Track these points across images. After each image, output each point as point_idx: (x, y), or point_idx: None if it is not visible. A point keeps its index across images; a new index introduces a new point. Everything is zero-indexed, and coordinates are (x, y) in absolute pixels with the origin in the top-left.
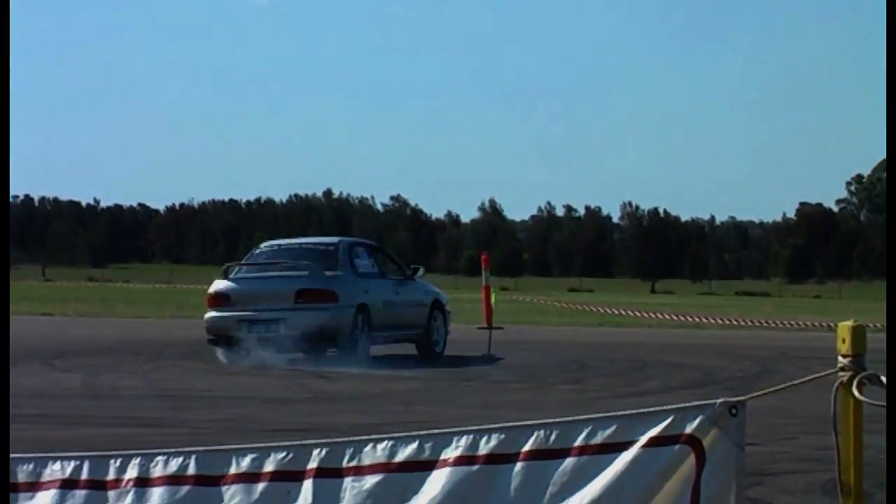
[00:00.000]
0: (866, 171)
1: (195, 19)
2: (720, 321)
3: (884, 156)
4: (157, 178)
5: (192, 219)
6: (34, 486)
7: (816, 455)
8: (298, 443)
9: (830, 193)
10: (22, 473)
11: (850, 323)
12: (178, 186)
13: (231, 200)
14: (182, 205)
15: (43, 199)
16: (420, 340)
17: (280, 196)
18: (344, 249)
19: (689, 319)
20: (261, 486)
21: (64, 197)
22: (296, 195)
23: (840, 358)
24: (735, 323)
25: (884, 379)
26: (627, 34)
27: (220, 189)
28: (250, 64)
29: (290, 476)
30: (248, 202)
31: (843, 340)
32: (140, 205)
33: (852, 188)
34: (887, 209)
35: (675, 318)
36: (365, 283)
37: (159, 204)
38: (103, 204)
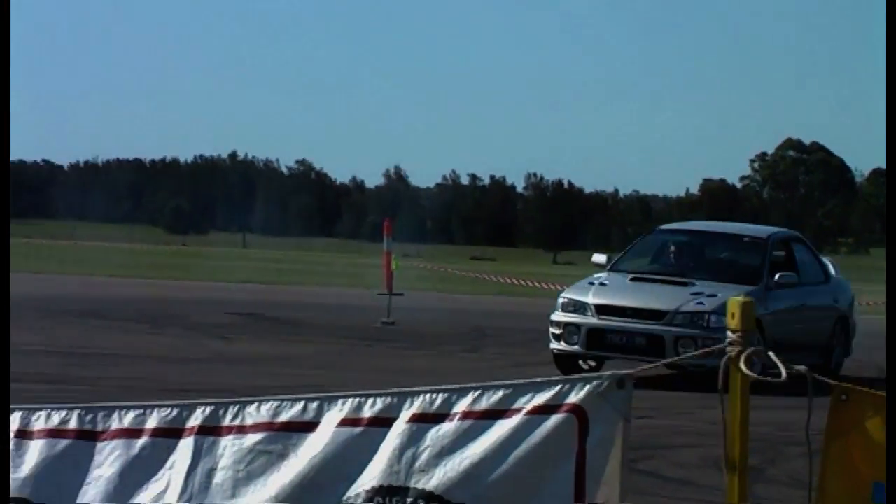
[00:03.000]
0: (770, 149)
1: None
2: None
3: (788, 135)
4: (62, 135)
5: (96, 176)
6: None
7: (712, 430)
8: (183, 402)
9: (734, 170)
10: None
11: (740, 299)
12: (84, 143)
13: (136, 159)
14: (87, 162)
15: None
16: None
17: (185, 156)
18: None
19: None
20: (141, 441)
21: None
22: (201, 156)
23: (729, 333)
24: None
25: (771, 355)
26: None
27: (125, 148)
28: (154, 23)
29: (171, 433)
30: (153, 161)
31: (733, 316)
32: (44, 161)
33: (756, 165)
34: (888, 208)
35: None
36: None
37: (63, 160)
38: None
